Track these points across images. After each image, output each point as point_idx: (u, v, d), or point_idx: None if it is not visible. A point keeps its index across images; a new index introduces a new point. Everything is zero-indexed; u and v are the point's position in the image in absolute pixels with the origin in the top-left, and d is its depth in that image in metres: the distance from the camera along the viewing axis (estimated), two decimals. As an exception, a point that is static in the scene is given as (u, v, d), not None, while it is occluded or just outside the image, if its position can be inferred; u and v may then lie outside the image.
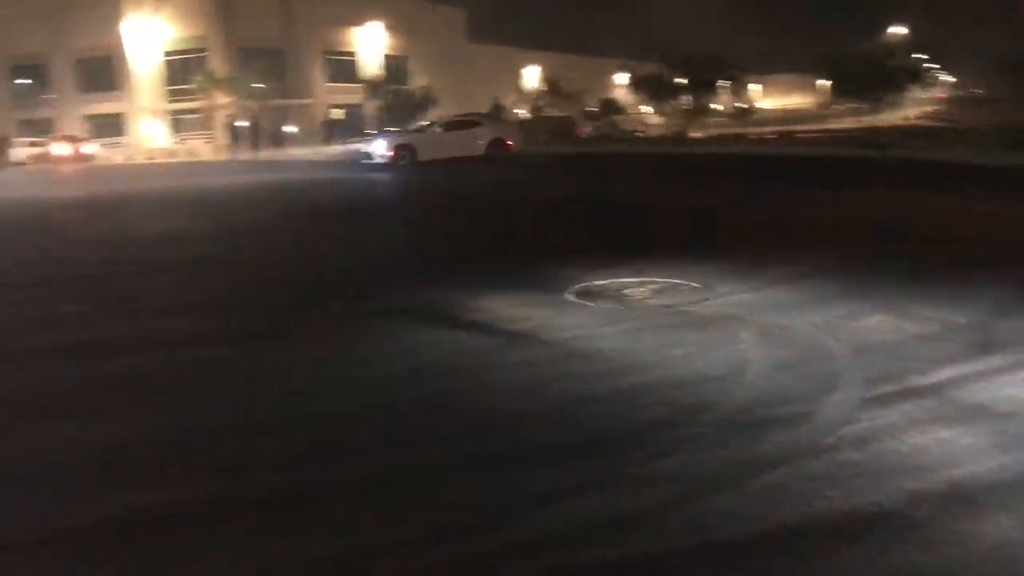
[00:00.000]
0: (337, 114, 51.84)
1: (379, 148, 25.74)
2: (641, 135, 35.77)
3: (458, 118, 27.09)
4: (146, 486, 3.53)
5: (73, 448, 4.00)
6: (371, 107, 45.24)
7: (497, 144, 25.16)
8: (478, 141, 25.05)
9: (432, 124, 28.26)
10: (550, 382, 4.64)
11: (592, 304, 6.32)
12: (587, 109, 38.69)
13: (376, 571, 2.85)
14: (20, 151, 43.86)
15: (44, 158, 42.61)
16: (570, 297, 6.53)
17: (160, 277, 8.79)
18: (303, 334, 6.09)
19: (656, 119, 35.97)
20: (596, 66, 72.37)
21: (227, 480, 3.57)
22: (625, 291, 6.65)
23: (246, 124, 34.99)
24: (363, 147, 27.70)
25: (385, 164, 24.69)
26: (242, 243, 11.03)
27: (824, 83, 38.92)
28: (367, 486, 3.47)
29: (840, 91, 30.34)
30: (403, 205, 16.26)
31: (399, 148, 25.02)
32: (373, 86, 43.56)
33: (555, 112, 39.14)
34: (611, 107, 36.58)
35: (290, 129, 34.66)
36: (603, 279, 7.06)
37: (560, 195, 15.71)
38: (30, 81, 57.11)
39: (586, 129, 36.20)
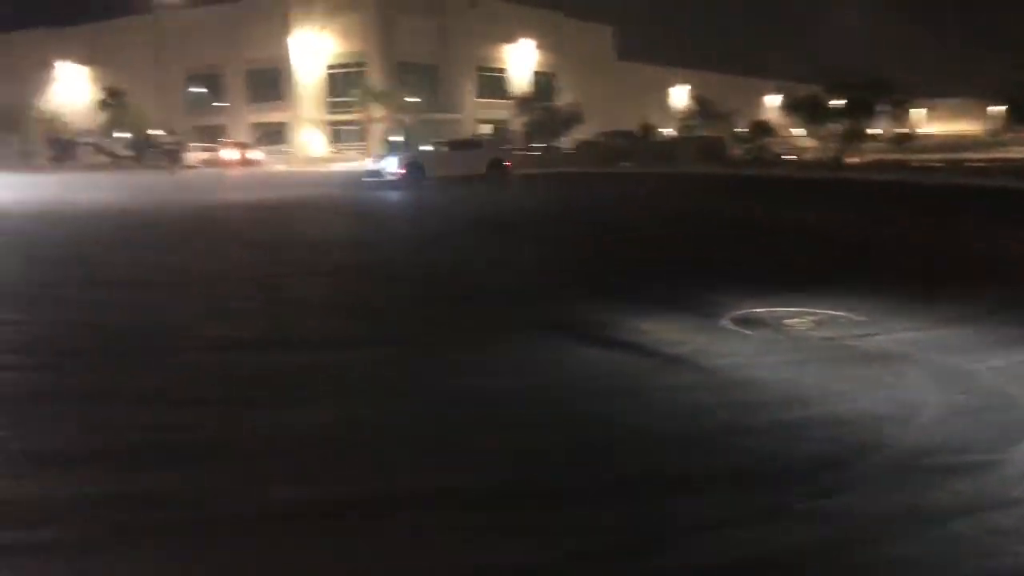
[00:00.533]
0: (485, 129, 52.99)
1: (390, 165, 26.13)
2: (792, 159, 34.64)
3: (462, 139, 29.48)
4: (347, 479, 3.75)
5: (293, 432, 4.30)
6: (518, 123, 46.02)
7: (495, 165, 26.86)
8: (480, 161, 26.67)
9: (440, 144, 29.45)
10: (709, 409, 4.60)
11: (751, 333, 6.20)
12: (737, 130, 37.85)
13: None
14: (192, 155, 47.36)
15: (214, 162, 45.82)
16: (727, 324, 6.43)
17: (322, 280, 9.29)
18: (458, 341, 6.29)
19: (809, 143, 34.71)
20: (748, 87, 70.71)
21: (407, 477, 3.74)
22: (785, 321, 6.48)
23: (398, 137, 36.40)
24: (373, 164, 28.03)
25: (395, 181, 25.13)
26: (396, 252, 11.48)
27: (997, 109, 36.44)
28: (521, 497, 3.55)
29: (1018, 118, 28.34)
30: (524, 220, 16.37)
31: (409, 166, 25.84)
32: (522, 102, 44.31)
33: (704, 132, 38.57)
34: (763, 129, 35.62)
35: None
36: (761, 307, 6.91)
37: (704, 215, 15.46)
38: (204, 90, 61.61)
39: (736, 151, 35.43)
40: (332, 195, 22.91)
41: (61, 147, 47.13)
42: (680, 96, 65.00)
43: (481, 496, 3.57)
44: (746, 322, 6.47)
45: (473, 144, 28.49)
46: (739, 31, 72.31)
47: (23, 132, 52.55)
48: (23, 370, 5.60)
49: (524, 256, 10.89)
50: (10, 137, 50.29)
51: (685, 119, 42.25)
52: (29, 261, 10.85)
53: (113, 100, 54.76)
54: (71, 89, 62.71)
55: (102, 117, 53.31)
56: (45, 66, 61.66)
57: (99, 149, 44.78)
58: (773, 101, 53.95)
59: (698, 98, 46.69)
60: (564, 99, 46.75)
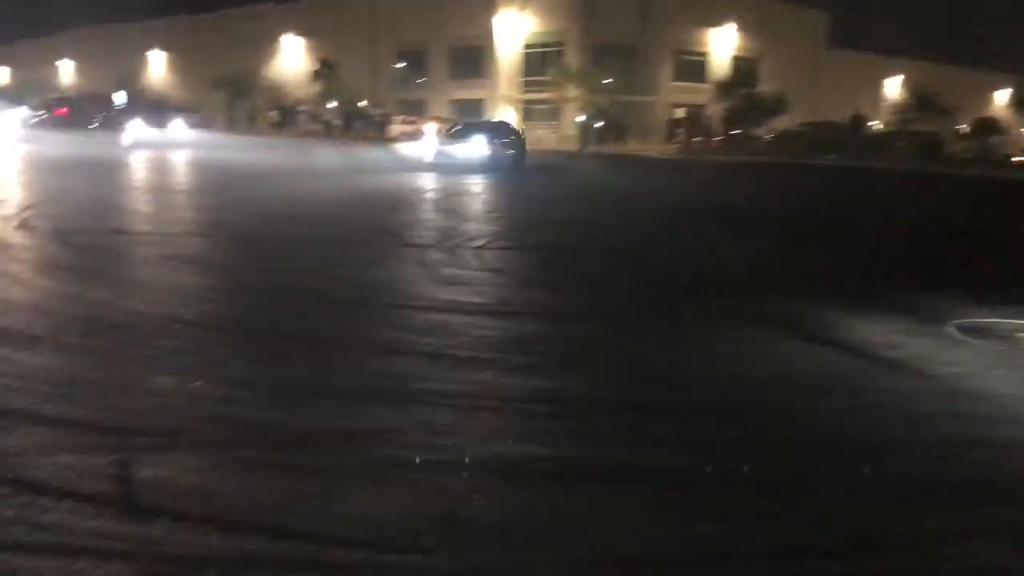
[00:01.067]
0: (680, 112, 52.01)
1: (477, 148, 22.29)
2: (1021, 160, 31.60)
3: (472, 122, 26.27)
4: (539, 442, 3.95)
5: (518, 394, 4.58)
6: (715, 109, 44.82)
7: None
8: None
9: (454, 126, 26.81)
10: (934, 418, 4.41)
11: (978, 342, 5.83)
12: (958, 127, 34.95)
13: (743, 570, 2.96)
14: (395, 128, 49.77)
15: (415, 135, 47.95)
16: (952, 331, 6.07)
17: (531, 255, 9.57)
18: (671, 323, 6.34)
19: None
20: (975, 80, 64.89)
21: (614, 449, 3.88)
22: (1019, 334, 6.03)
23: (588, 118, 36.18)
24: (447, 147, 23.39)
25: (481, 165, 21.74)
26: (602, 232, 11.61)
27: None
28: (738, 482, 3.58)
29: None
30: (717, 208, 15.96)
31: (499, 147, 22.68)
32: (720, 87, 43.05)
33: (920, 127, 35.89)
34: (989, 126, 32.64)
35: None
36: (989, 316, 6.47)
37: (922, 216, 14.50)
38: (409, 66, 64.39)
39: (956, 149, 32.75)
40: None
41: (282, 114, 51.16)
42: (895, 87, 60.73)
43: (700, 479, 3.63)
44: (972, 330, 6.08)
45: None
46: (969, 18, 65.95)
47: (250, 98, 57.21)
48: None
49: (726, 247, 10.70)
50: (240, 102, 54.89)
51: (899, 112, 39.42)
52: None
53: (326, 71, 58.50)
54: (291, 60, 67.53)
55: (316, 87, 57.13)
56: (270, 38, 66.63)
57: (313, 118, 47.96)
58: (1004, 97, 49.27)
59: (915, 90, 43.45)
60: (767, 86, 45.00)
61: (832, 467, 3.76)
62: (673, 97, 55.33)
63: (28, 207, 11.68)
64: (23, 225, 10.05)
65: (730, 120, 35.69)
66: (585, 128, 33.88)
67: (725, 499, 3.43)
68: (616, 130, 34.06)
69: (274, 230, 10.78)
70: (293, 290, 7.27)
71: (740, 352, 5.61)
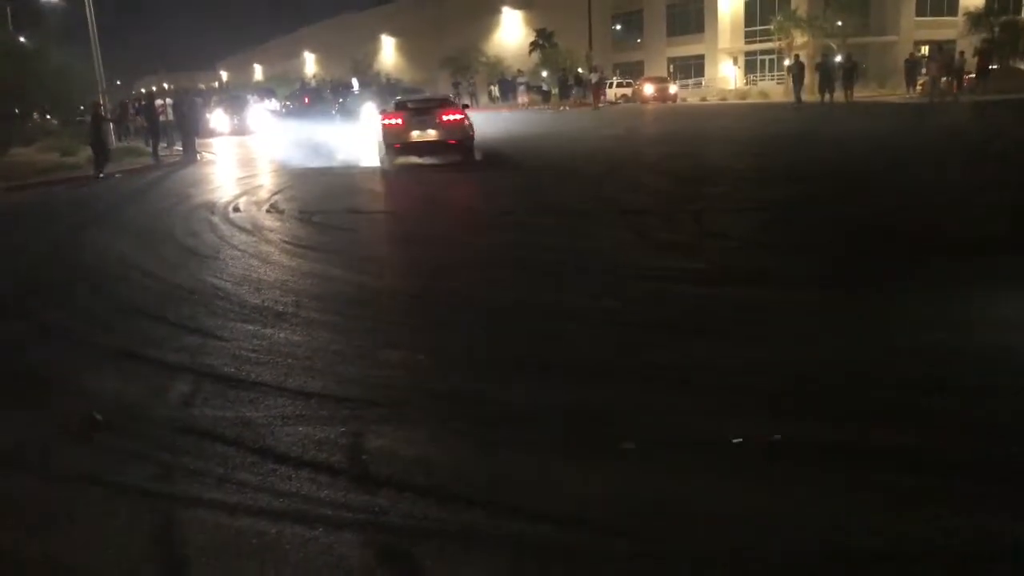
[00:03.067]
0: (924, 50, 47.16)
1: None
2: None
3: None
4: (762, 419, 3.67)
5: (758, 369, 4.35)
6: (966, 43, 40.12)
7: None
8: None
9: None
10: None
11: None
12: None
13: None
14: (614, 91, 49.33)
15: (633, 97, 47.28)
16: None
17: (749, 216, 9.04)
18: (896, 288, 5.70)
19: None
20: None
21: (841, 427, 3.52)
22: None
23: (795, 63, 33.26)
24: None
25: None
26: (822, 187, 10.74)
27: None
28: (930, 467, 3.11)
29: None
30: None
31: None
32: (974, 18, 38.34)
33: None
34: None
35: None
36: None
37: None
38: (623, 28, 63.54)
39: None
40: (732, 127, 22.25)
41: (503, 86, 52.50)
42: None
43: (938, 462, 3.20)
44: None
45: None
46: None
47: (471, 73, 59.16)
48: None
49: (978, 197, 9.49)
50: (463, 78, 56.92)
51: None
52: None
53: (543, 41, 59.09)
54: (510, 33, 68.89)
55: (534, 58, 57.88)
56: (489, 14, 68.34)
57: (530, 88, 48.65)
58: None
59: None
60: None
61: None
62: (917, 34, 50.28)
63: (277, 191, 12.77)
64: (273, 208, 11.00)
65: (987, 54, 31.63)
66: (798, 76, 30.97)
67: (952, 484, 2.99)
68: (846, 74, 30.97)
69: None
70: (501, 261, 7.35)
71: (968, 319, 4.91)
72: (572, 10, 58.34)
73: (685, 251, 7.38)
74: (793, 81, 31.93)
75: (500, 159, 16.45)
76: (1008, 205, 8.67)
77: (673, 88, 48.51)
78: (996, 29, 36.12)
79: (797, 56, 35.62)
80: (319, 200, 11.69)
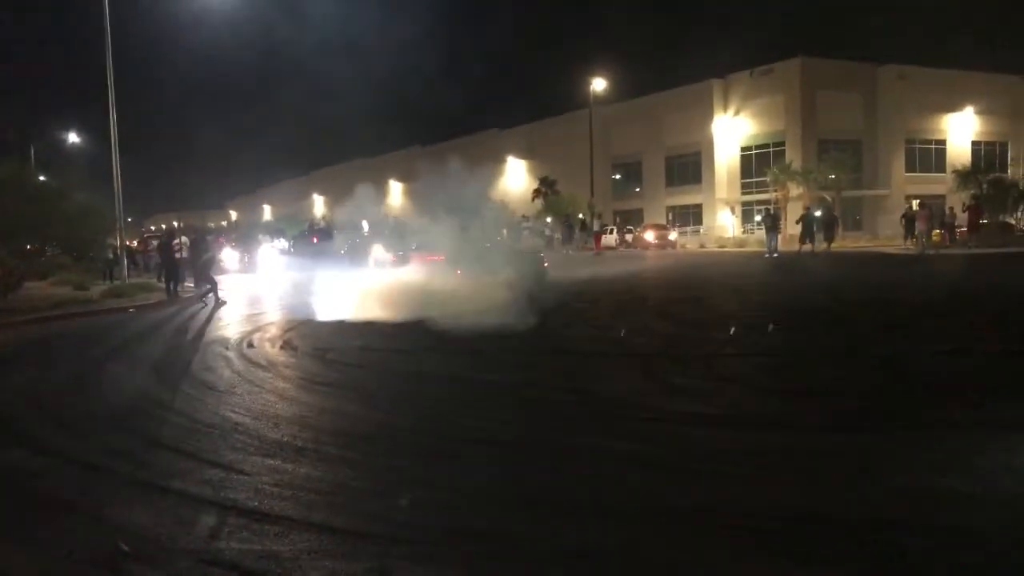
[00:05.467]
0: (915, 204, 48.88)
1: None
2: None
3: None
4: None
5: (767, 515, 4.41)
6: (957, 198, 41.64)
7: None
8: None
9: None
10: None
11: None
12: None
13: None
14: (613, 237, 50.78)
15: (633, 243, 48.58)
16: None
17: (760, 361, 9.22)
18: (916, 434, 5.80)
19: None
20: None
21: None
22: None
23: (770, 212, 34.40)
24: None
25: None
26: (824, 331, 10.98)
27: None
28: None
29: None
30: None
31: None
32: (963, 175, 40.00)
33: None
34: None
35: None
36: None
37: None
38: (625, 176, 66.02)
39: None
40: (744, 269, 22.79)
41: (508, 230, 53.94)
42: None
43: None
44: None
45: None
46: None
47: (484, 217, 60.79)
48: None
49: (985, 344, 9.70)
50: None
51: None
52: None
53: (546, 188, 61.29)
54: (515, 179, 71.49)
55: (537, 204, 59.84)
56: (495, 162, 71.23)
57: (534, 232, 50.08)
58: None
59: None
60: (1019, 170, 41.35)
61: None
62: (907, 188, 52.30)
63: (290, 328, 13.02)
64: (287, 345, 11.20)
65: (979, 208, 32.87)
66: (770, 226, 31.79)
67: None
68: (827, 226, 31.94)
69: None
70: (513, 401, 7.47)
71: (983, 466, 5.00)
72: (574, 159, 60.86)
73: (699, 394, 7.51)
74: (766, 231, 32.83)
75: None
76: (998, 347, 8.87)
77: (673, 235, 49.96)
78: (984, 186, 37.61)
79: (767, 209, 36.91)
80: (332, 337, 11.90)
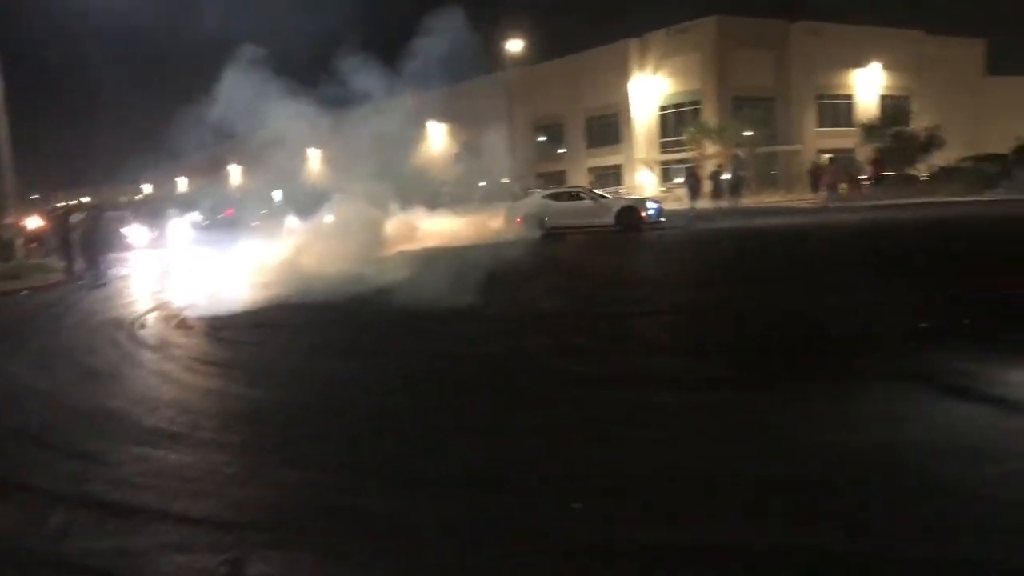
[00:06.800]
0: (825, 159, 50.19)
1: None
2: None
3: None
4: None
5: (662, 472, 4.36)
6: (863, 151, 42.87)
7: (625, 215, 23.74)
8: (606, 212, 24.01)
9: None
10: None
11: None
12: None
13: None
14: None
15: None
16: None
17: (660, 319, 9.27)
18: (797, 389, 5.88)
19: None
20: None
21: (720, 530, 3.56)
22: None
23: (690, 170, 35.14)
24: None
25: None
26: (723, 291, 11.12)
27: None
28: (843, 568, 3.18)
29: None
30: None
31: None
32: (868, 129, 41.14)
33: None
34: None
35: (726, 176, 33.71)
36: None
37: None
38: (547, 139, 65.93)
39: None
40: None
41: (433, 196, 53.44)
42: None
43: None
44: None
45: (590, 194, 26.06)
46: None
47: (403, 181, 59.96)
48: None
49: (862, 298, 9.94)
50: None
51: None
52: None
53: (466, 153, 60.73)
54: (435, 145, 70.66)
55: (459, 168, 59.29)
56: (416, 126, 70.09)
57: (454, 197, 49.69)
58: None
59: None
60: (920, 123, 42.68)
61: (980, 550, 3.28)
62: (819, 143, 53.56)
63: (189, 306, 12.55)
64: (181, 324, 10.79)
65: (881, 162, 33.88)
66: (692, 185, 32.72)
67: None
68: (732, 185, 32.70)
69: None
70: (412, 370, 7.33)
71: (865, 415, 5.09)
72: (495, 122, 60.34)
73: (598, 355, 7.48)
74: (688, 189, 33.46)
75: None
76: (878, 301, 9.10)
77: (594, 197, 50.13)
78: (888, 139, 38.74)
79: (689, 168, 37.54)
80: (228, 312, 11.49)
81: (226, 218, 33.36)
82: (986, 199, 28.11)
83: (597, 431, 5.17)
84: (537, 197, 27.68)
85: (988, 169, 32.41)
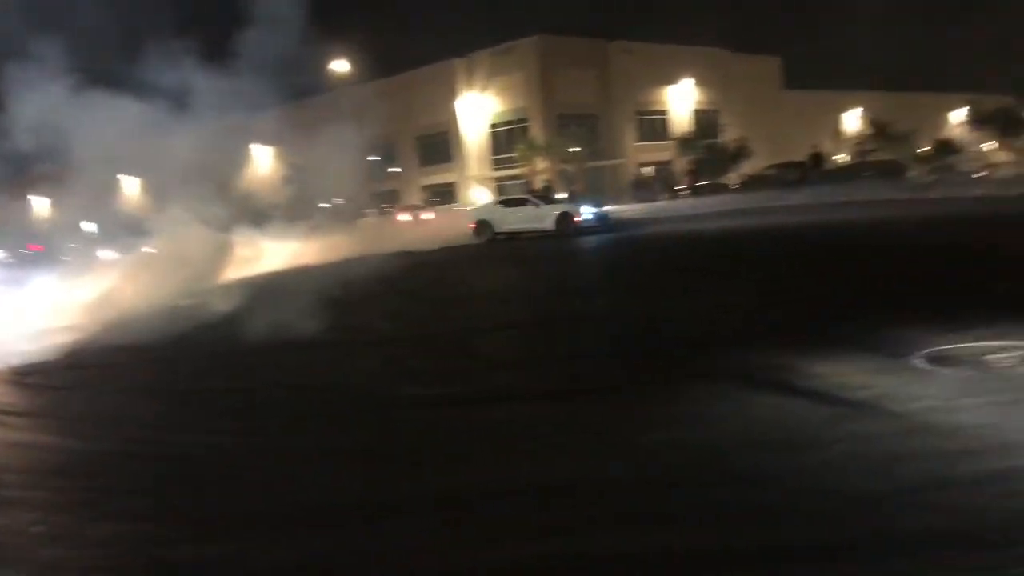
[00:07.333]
0: (647, 172, 52.78)
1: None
2: (984, 176, 31.87)
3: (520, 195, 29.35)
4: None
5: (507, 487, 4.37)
6: (681, 163, 45.50)
7: (564, 220, 24.39)
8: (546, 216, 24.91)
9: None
10: (902, 460, 4.22)
11: (946, 371, 5.66)
12: (919, 151, 35.43)
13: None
14: (367, 221, 50.30)
15: (390, 225, 48.42)
16: (919, 363, 5.91)
17: (501, 335, 9.39)
18: (632, 392, 6.15)
19: (1004, 156, 31.85)
20: (929, 104, 66.05)
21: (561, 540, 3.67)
22: (986, 356, 5.87)
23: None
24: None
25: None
26: (567, 302, 11.47)
27: None
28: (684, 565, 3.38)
29: None
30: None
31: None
32: (683, 142, 43.74)
33: (882, 156, 36.38)
34: (947, 147, 33.09)
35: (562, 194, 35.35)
36: (957, 343, 6.28)
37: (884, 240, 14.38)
38: (380, 158, 65.47)
39: (918, 172, 33.10)
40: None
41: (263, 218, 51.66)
42: (853, 120, 61.97)
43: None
44: (940, 360, 5.92)
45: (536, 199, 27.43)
46: (917, 45, 67.52)
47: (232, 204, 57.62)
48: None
49: (696, 303, 10.54)
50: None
51: (859, 144, 40.04)
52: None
53: (296, 175, 59.22)
54: (262, 168, 68.41)
55: (288, 191, 57.69)
56: (240, 148, 67.59)
57: (288, 219, 48.37)
58: (959, 117, 50.21)
59: (872, 120, 44.30)
60: (729, 135, 45.79)
61: (785, 534, 3.57)
62: (640, 157, 56.19)
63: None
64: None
65: (696, 172, 36.15)
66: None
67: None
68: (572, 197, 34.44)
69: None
70: (239, 405, 7.07)
71: (699, 414, 5.42)
72: (324, 142, 59.22)
73: (437, 375, 7.49)
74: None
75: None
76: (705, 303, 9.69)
77: (428, 215, 50.27)
78: (702, 151, 41.34)
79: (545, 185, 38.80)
80: (37, 356, 10.62)
81: (33, 253, 30.85)
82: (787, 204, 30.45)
83: (432, 451, 5.20)
84: (489, 204, 29.29)
85: (789, 176, 35.30)
